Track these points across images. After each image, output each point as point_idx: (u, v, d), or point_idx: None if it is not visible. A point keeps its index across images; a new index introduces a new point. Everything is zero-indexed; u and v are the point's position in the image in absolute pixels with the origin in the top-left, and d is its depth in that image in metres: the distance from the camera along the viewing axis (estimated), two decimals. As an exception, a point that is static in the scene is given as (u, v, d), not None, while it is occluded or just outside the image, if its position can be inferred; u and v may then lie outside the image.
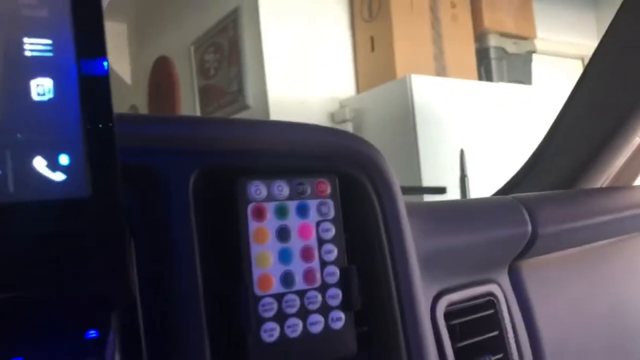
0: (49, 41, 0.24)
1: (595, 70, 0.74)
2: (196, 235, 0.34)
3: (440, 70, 2.65)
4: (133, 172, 0.33)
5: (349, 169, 0.40)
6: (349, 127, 2.69)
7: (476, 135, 2.43)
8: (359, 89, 2.83)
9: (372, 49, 2.74)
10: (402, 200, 0.42)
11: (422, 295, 0.47)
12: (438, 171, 2.30)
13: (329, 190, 0.38)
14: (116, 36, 3.86)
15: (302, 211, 0.37)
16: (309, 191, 0.38)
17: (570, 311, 0.61)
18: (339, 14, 2.84)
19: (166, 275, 0.32)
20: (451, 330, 0.51)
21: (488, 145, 2.43)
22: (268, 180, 0.36)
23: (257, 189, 0.36)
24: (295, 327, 0.35)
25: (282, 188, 0.37)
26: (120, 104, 3.89)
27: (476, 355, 0.52)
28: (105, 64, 0.25)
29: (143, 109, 3.68)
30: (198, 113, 3.16)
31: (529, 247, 0.55)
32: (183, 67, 3.30)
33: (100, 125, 0.26)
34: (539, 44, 2.99)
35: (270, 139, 0.38)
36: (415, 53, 2.63)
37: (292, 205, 0.37)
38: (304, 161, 0.39)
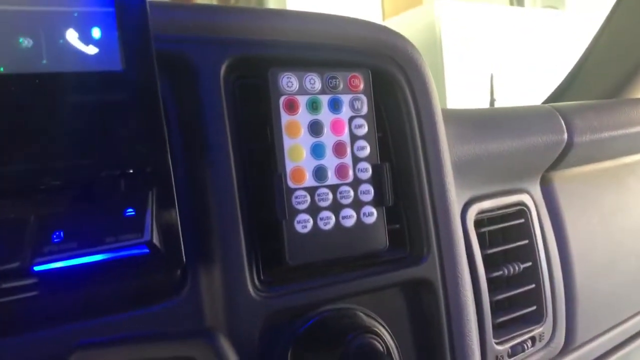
0: None
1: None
2: (229, 126, 0.33)
3: (469, -5, 2.53)
4: (164, 60, 0.32)
5: (383, 63, 0.39)
6: (372, 57, 2.63)
7: (505, 62, 2.35)
8: (384, 16, 2.73)
9: (398, -27, 2.62)
10: (437, 98, 0.40)
11: (456, 199, 0.46)
12: (464, 99, 2.24)
13: (362, 86, 0.37)
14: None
15: (335, 106, 0.36)
16: (341, 85, 0.37)
17: (599, 224, 0.60)
18: None
19: (201, 167, 0.32)
20: (481, 237, 0.51)
21: (517, 73, 2.35)
22: (300, 72, 0.35)
23: (289, 81, 0.35)
24: (328, 220, 0.35)
25: (314, 81, 0.36)
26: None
27: (505, 263, 0.52)
28: None
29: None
30: None
31: (564, 155, 0.54)
32: None
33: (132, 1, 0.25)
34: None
35: (303, 29, 0.36)
36: (443, -23, 2.50)
37: (324, 99, 0.36)
38: (336, 54, 0.37)
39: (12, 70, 0.23)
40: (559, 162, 0.54)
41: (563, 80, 0.73)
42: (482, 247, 0.51)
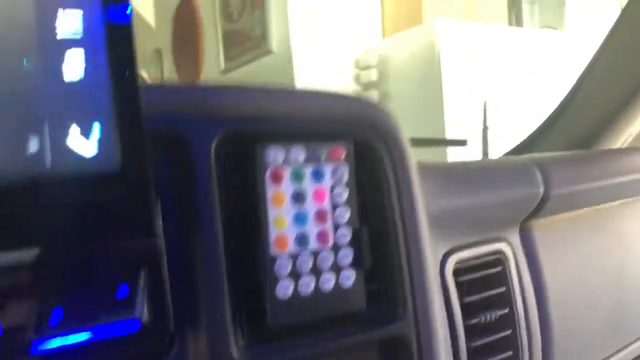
0: (80, 28, 0.26)
1: (619, 31, 0.72)
2: (218, 198, 0.36)
3: (469, 14, 2.57)
4: (158, 139, 0.35)
5: (365, 135, 0.41)
6: (372, 74, 2.66)
7: (504, 83, 2.38)
8: (384, 34, 2.77)
9: (399, -9, 2.66)
10: (414, 166, 0.43)
11: (432, 253, 0.49)
12: (463, 119, 2.27)
13: (344, 156, 0.40)
14: (139, -24, 3.80)
15: (317, 176, 0.39)
16: (324, 156, 0.39)
17: (578, 270, 0.62)
18: (366, -45, 2.74)
19: (191, 236, 0.35)
20: (460, 286, 0.53)
21: (516, 93, 2.38)
22: (286, 145, 0.38)
23: (275, 154, 0.38)
24: (308, 285, 0.38)
25: (299, 153, 0.38)
26: (144, 48, 3.89)
27: (483, 310, 0.54)
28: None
29: (167, 53, 3.68)
30: (222, 57, 3.14)
31: (541, 207, 0.56)
32: (207, 10, 3.25)
33: (127, 103, 0.28)
34: (575, -14, 2.86)
35: (291, 105, 0.39)
36: (443, -3, 2.54)
37: (307, 170, 0.39)
38: (321, 127, 0.40)
39: (19, 176, 0.25)
40: (536, 213, 0.57)
41: (541, 124, 0.76)
42: (461, 295, 0.53)
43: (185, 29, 3.62)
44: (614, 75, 0.74)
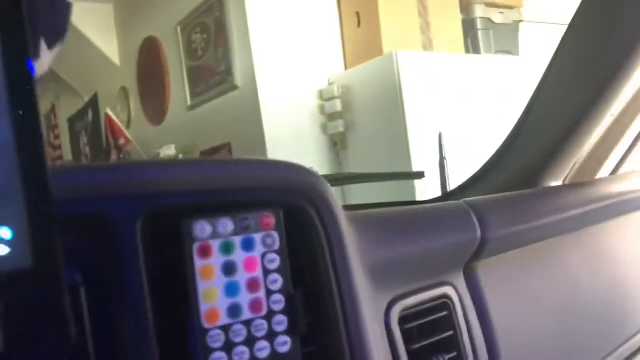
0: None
1: (557, 64, 0.75)
2: (146, 275, 0.36)
3: (427, 44, 2.64)
4: (82, 220, 0.35)
5: (295, 200, 0.42)
6: (337, 105, 2.70)
7: (464, 110, 2.44)
8: (346, 66, 2.82)
9: (359, 24, 2.72)
10: (345, 227, 0.44)
11: (374, 303, 0.50)
12: (428, 147, 2.31)
13: (273, 223, 0.41)
14: (103, 17, 3.81)
15: (247, 245, 0.40)
16: (253, 225, 0.40)
17: (525, 306, 0.64)
18: (324, -10, 2.81)
19: (120, 316, 0.35)
20: (407, 333, 0.54)
21: (478, 120, 2.44)
22: (213, 218, 0.39)
23: (202, 228, 0.38)
24: (242, 355, 0.38)
25: (227, 224, 0.39)
26: (110, 86, 3.88)
27: (430, 355, 0.55)
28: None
29: (133, 91, 3.67)
30: (187, 94, 3.15)
31: (481, 250, 0.58)
32: (171, 47, 3.27)
33: (38, 198, 0.28)
34: (526, 12, 2.97)
35: (217, 176, 0.40)
36: (402, 27, 2.61)
37: (237, 240, 0.39)
38: (247, 196, 0.41)
39: None
40: (477, 256, 0.59)
41: (484, 164, 0.79)
42: (408, 342, 0.54)
43: (150, 67, 3.63)
44: (554, 108, 0.77)
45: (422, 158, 2.28)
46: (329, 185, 0.45)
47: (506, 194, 0.65)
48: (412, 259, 0.54)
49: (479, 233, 0.57)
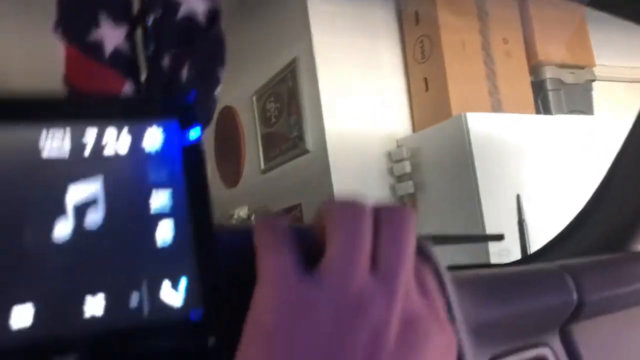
0: (168, 203, 0.33)
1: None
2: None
3: (496, 106, 2.67)
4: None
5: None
6: (406, 166, 2.74)
7: (537, 171, 2.41)
8: (415, 128, 2.88)
9: (427, 89, 2.80)
10: (452, 288, 0.48)
11: (475, 363, 0.52)
12: (500, 208, 2.29)
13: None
14: (183, 88, 4.12)
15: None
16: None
17: (625, 371, 0.63)
18: (393, 58, 2.93)
19: None
20: (506, 393, 0.55)
21: (551, 181, 2.40)
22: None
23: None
24: None
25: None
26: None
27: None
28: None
29: (209, 156, 3.90)
30: (261, 158, 3.31)
31: (577, 314, 0.59)
32: (246, 116, 3.49)
33: (207, 259, 0.34)
34: (598, 71, 2.94)
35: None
36: (470, 91, 2.66)
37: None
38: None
39: (124, 326, 0.32)
40: (573, 319, 0.60)
41: (569, 223, 0.79)
42: (508, 402, 0.55)
43: (226, 134, 3.85)
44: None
45: (494, 220, 2.25)
46: (435, 249, 0.48)
47: (599, 257, 0.66)
48: (510, 320, 0.56)
49: (575, 296, 0.58)
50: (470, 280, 0.56)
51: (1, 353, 0.28)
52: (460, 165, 2.42)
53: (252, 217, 3.34)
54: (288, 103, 3.07)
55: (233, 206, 3.50)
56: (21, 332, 0.29)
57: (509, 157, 2.40)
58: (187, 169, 0.36)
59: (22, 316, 0.30)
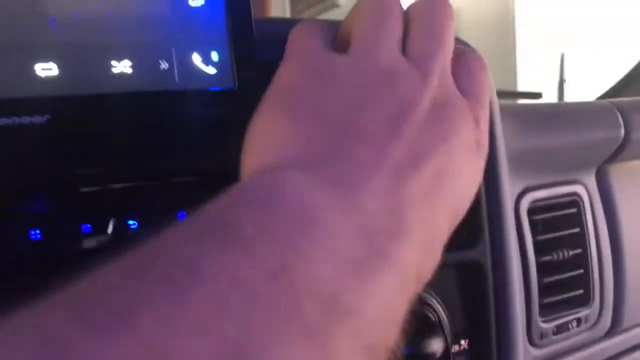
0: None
1: None
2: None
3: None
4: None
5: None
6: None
7: (582, 31, 2.25)
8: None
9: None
10: (497, 111, 0.45)
11: (509, 190, 0.51)
12: (537, 71, 2.19)
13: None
14: None
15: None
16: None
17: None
18: None
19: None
20: (534, 224, 0.55)
21: (597, 41, 2.25)
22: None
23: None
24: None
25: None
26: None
27: (555, 249, 0.56)
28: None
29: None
30: (288, 12, 3.15)
31: (620, 151, 0.56)
32: (272, -37, 3.25)
33: (242, 30, 0.31)
34: None
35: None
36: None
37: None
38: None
39: (153, 88, 0.30)
40: (615, 156, 0.57)
41: (623, 76, 0.74)
42: (534, 233, 0.55)
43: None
44: None
45: (529, 84, 2.17)
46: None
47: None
48: (548, 152, 0.54)
49: (622, 131, 0.55)
50: (516, 110, 0.53)
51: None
52: (500, 26, 2.28)
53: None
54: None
55: (257, 61, 3.42)
56: (46, 80, 0.27)
57: (552, 16, 2.23)
58: None
59: (46, 69, 0.28)
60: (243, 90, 0.31)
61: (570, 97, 1.33)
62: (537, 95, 1.16)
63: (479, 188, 0.44)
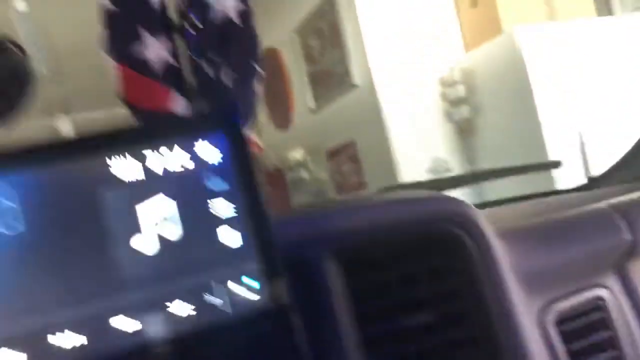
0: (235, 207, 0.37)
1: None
2: (344, 305, 0.45)
3: (551, 14, 2.50)
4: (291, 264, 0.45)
5: (452, 229, 0.49)
6: (460, 90, 2.66)
7: (601, 79, 2.28)
8: (466, 48, 2.76)
9: (475, 4, 2.65)
10: (496, 245, 0.50)
11: (527, 308, 0.54)
12: (560, 124, 2.21)
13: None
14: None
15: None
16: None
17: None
18: (435, -24, 2.78)
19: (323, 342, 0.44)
20: (565, 334, 0.58)
21: (614, 90, 2.27)
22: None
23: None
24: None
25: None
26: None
27: (591, 354, 0.58)
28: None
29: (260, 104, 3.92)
30: (310, 98, 3.31)
31: (632, 251, 0.59)
32: (289, 56, 3.45)
33: (274, 265, 0.38)
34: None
35: (386, 218, 0.48)
36: (521, 1, 2.50)
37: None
38: (412, 229, 0.48)
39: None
40: (629, 257, 0.60)
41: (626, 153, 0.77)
42: (568, 342, 0.58)
43: (272, 78, 3.85)
44: None
45: (555, 139, 2.18)
46: (479, 211, 0.50)
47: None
48: (562, 265, 0.58)
49: (628, 236, 0.58)
50: (518, 232, 0.58)
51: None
52: (516, 86, 2.33)
53: (308, 158, 3.40)
54: (330, 37, 3.01)
55: (286, 148, 3.56)
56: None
57: (569, 69, 2.27)
58: (240, 177, 0.39)
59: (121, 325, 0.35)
60: (278, 304, 0.38)
61: (597, 152, 1.34)
62: (556, 165, 1.19)
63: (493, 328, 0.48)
